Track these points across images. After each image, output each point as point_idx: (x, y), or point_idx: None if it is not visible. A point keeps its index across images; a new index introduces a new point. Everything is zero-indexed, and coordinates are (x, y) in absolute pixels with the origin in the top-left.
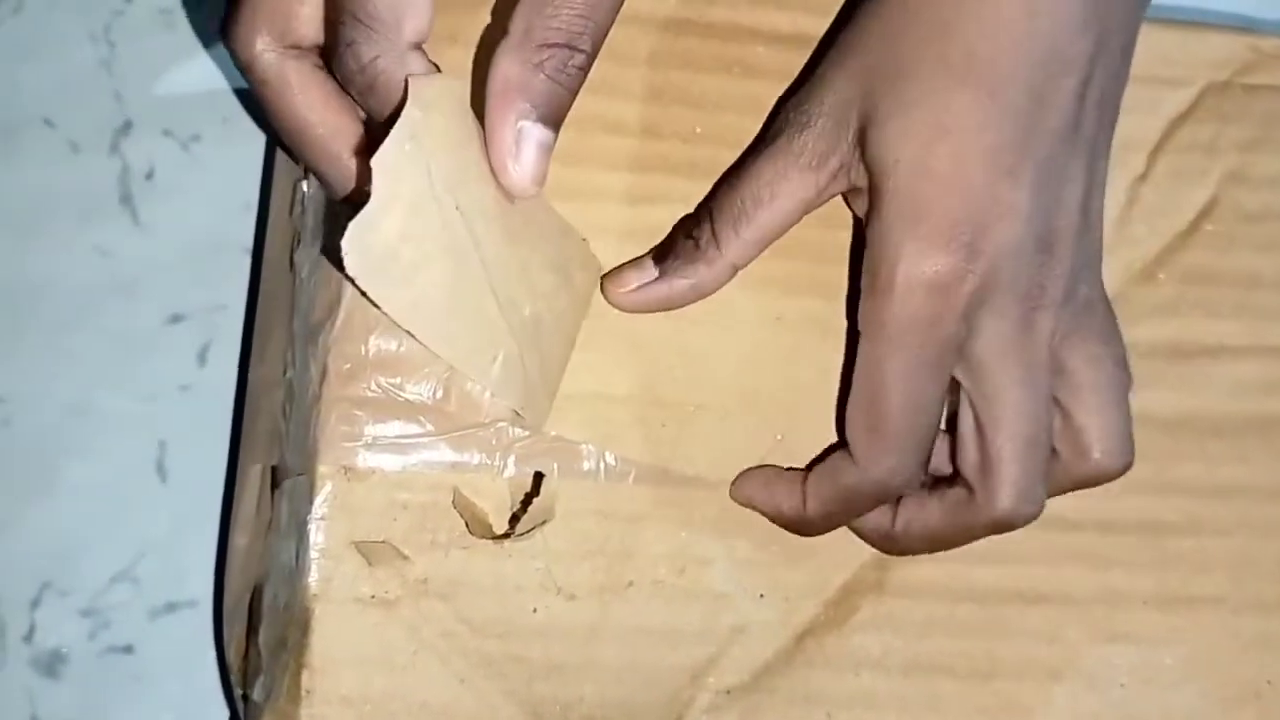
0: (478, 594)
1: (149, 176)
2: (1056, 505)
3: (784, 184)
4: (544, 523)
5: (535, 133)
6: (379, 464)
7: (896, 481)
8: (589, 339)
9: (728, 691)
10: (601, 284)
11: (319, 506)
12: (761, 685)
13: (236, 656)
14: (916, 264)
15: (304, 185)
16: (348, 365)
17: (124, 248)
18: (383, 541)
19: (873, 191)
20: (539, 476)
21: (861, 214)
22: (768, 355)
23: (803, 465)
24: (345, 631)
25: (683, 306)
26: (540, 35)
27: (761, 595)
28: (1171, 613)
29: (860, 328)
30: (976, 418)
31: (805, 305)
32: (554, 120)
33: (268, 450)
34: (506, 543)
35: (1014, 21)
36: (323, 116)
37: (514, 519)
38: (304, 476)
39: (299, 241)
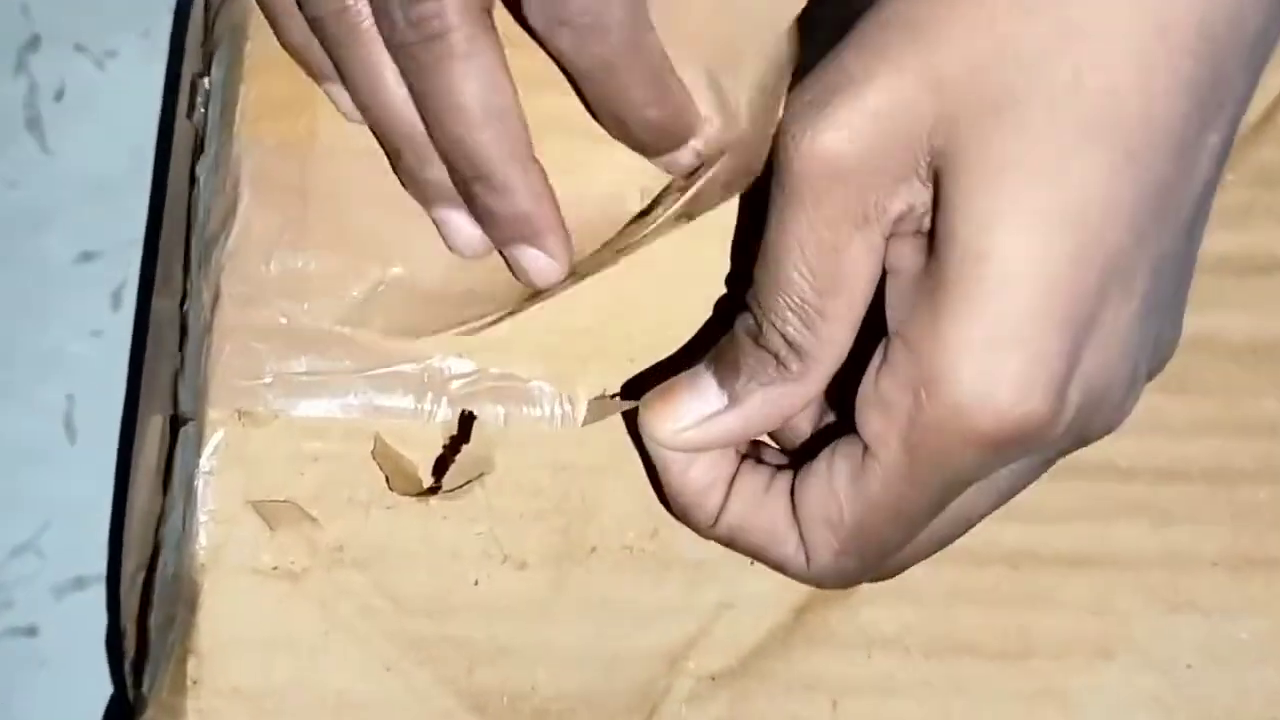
0: (405, 563)
1: (59, 97)
2: (1107, 450)
3: (844, 254)
4: (480, 475)
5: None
6: (282, 407)
7: (841, 584)
8: None
9: (712, 677)
10: (641, 415)
11: (208, 459)
12: (752, 669)
13: (130, 639)
14: (995, 405)
15: (205, 81)
16: (244, 287)
17: (30, 177)
18: (286, 501)
19: (938, 268)
20: (468, 418)
21: (904, 270)
22: None
23: None
24: (240, 609)
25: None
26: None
27: (752, 562)
28: (1245, 577)
29: (873, 439)
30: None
31: None
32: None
33: (167, 398)
34: (435, 500)
35: (1181, 48)
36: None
37: (440, 469)
38: (194, 422)
39: (201, 148)
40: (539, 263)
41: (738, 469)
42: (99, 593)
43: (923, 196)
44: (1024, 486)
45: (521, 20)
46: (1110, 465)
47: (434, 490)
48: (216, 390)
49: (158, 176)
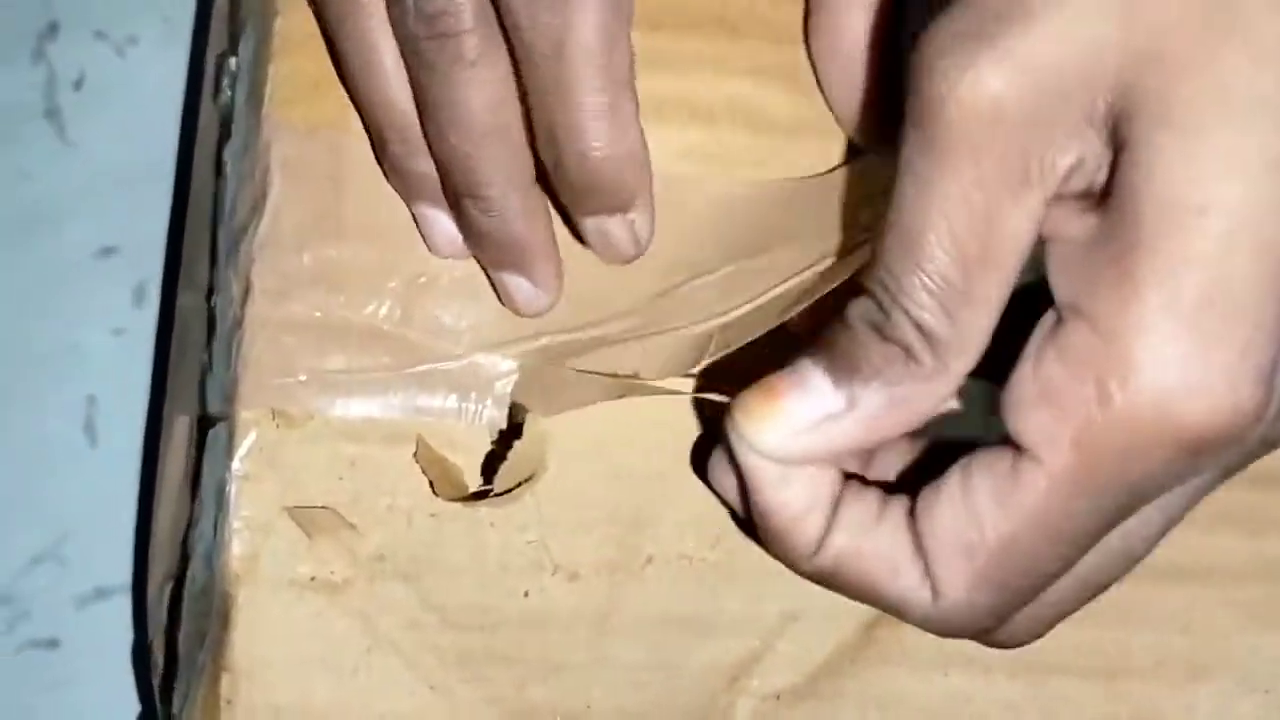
0: (451, 574)
1: (78, 86)
2: None
3: (999, 222)
4: (530, 478)
5: None
6: (318, 406)
7: (972, 627)
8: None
9: (776, 696)
10: (735, 420)
11: (241, 462)
12: (820, 689)
13: (159, 655)
14: (1210, 396)
15: (231, 61)
16: (275, 280)
17: (48, 169)
18: (324, 507)
19: (1129, 227)
20: (519, 414)
21: (1072, 236)
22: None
23: None
24: (277, 623)
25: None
26: None
27: None
28: None
29: (1037, 441)
30: None
31: None
32: None
33: (194, 398)
34: (484, 506)
35: None
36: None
37: (489, 469)
38: (224, 424)
39: (227, 133)
40: (524, 292)
41: (842, 491)
42: (123, 604)
43: (1095, 146)
44: (1191, 507)
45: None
46: None
47: (481, 495)
48: (248, 389)
49: (181, 166)
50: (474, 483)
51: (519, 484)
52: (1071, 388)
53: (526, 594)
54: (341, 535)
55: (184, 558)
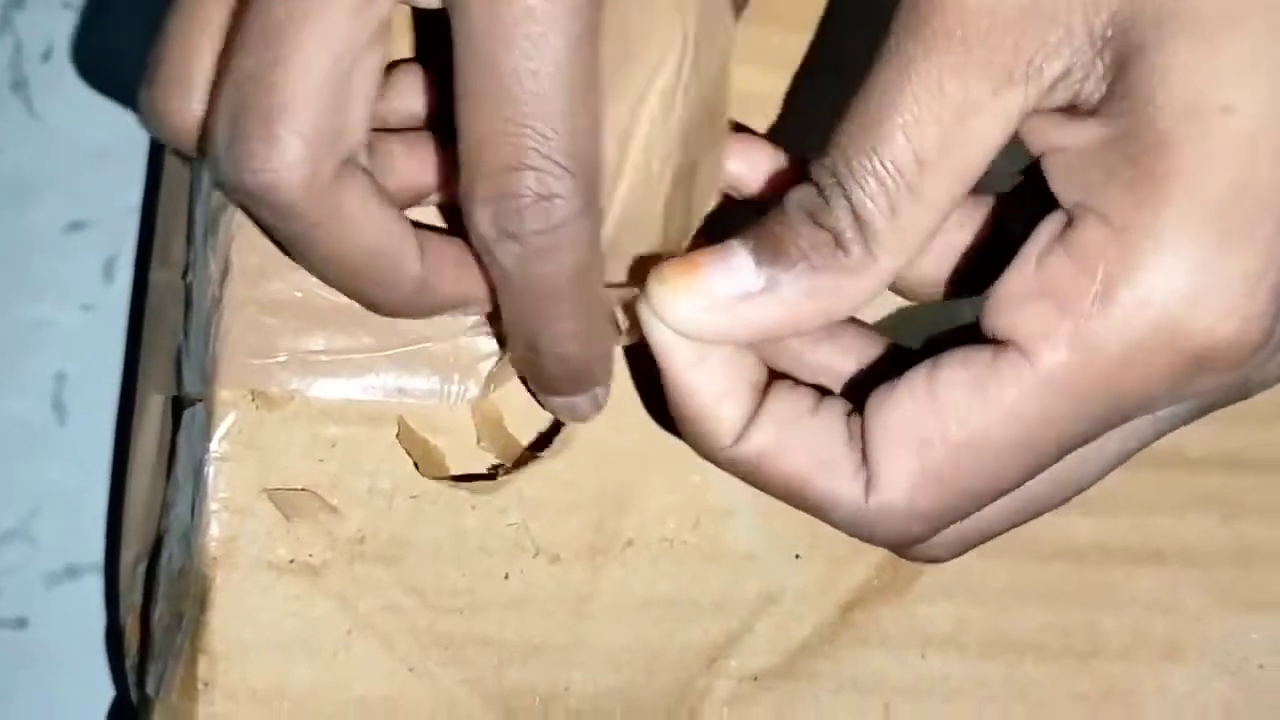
0: (431, 556)
1: (46, 57)
2: (1176, 438)
3: (970, 112)
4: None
5: None
6: (298, 387)
7: (898, 536)
8: None
9: (755, 677)
10: (650, 289)
11: (219, 443)
12: (799, 669)
13: (133, 634)
14: (1221, 307)
15: None
16: (255, 258)
17: (16, 143)
18: (304, 490)
19: (1144, 131)
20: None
21: (1072, 145)
22: None
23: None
24: (256, 606)
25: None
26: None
27: (798, 555)
28: None
29: (1031, 336)
30: None
31: None
32: None
33: (168, 376)
34: (464, 489)
35: None
36: (388, 239)
37: (539, 444)
38: (202, 404)
39: None
40: (580, 409)
41: (770, 384)
42: (93, 583)
43: (1085, 57)
44: (1157, 438)
45: (464, 227)
46: (1180, 455)
47: (465, 478)
48: (227, 369)
49: (154, 140)
50: (457, 464)
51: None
52: (1077, 283)
53: (507, 576)
54: (321, 517)
55: (158, 538)
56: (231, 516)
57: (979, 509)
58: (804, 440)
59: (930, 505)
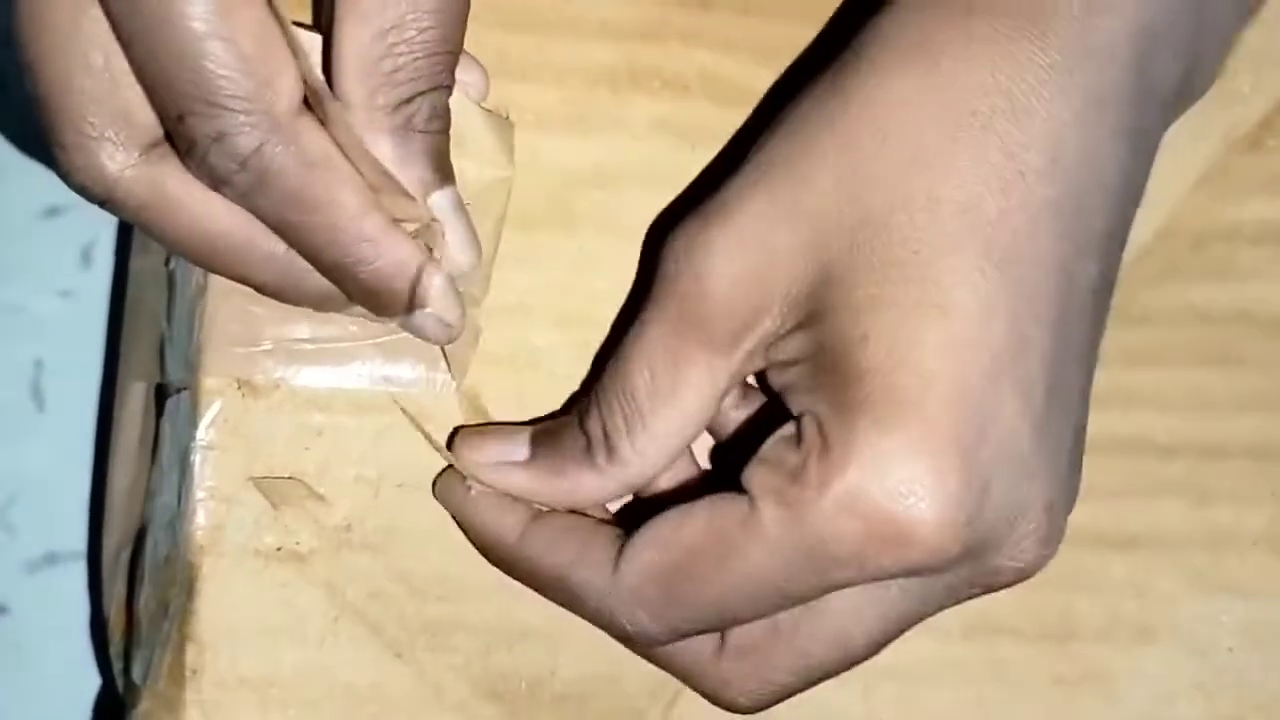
0: (417, 544)
1: None
2: (1147, 427)
3: (687, 371)
4: None
5: (448, 198)
6: (284, 376)
7: (652, 628)
8: (558, 220)
9: None
10: (454, 444)
11: (205, 431)
12: None
13: (118, 622)
14: (895, 502)
15: None
16: None
17: None
18: (290, 478)
19: (820, 370)
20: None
21: (784, 386)
22: None
23: None
24: (242, 593)
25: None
26: (393, 94)
27: None
28: None
29: (761, 490)
30: None
31: None
32: (450, 171)
33: (151, 364)
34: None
35: (1033, 171)
36: (235, 217)
37: None
38: (187, 392)
39: None
40: (428, 330)
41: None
42: (75, 569)
43: (792, 319)
44: (919, 618)
45: None
46: (1150, 442)
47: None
48: (212, 357)
49: None
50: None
51: None
52: (795, 461)
53: None
54: (308, 505)
55: (142, 526)
56: (218, 505)
57: (710, 625)
58: (575, 537)
59: (655, 596)
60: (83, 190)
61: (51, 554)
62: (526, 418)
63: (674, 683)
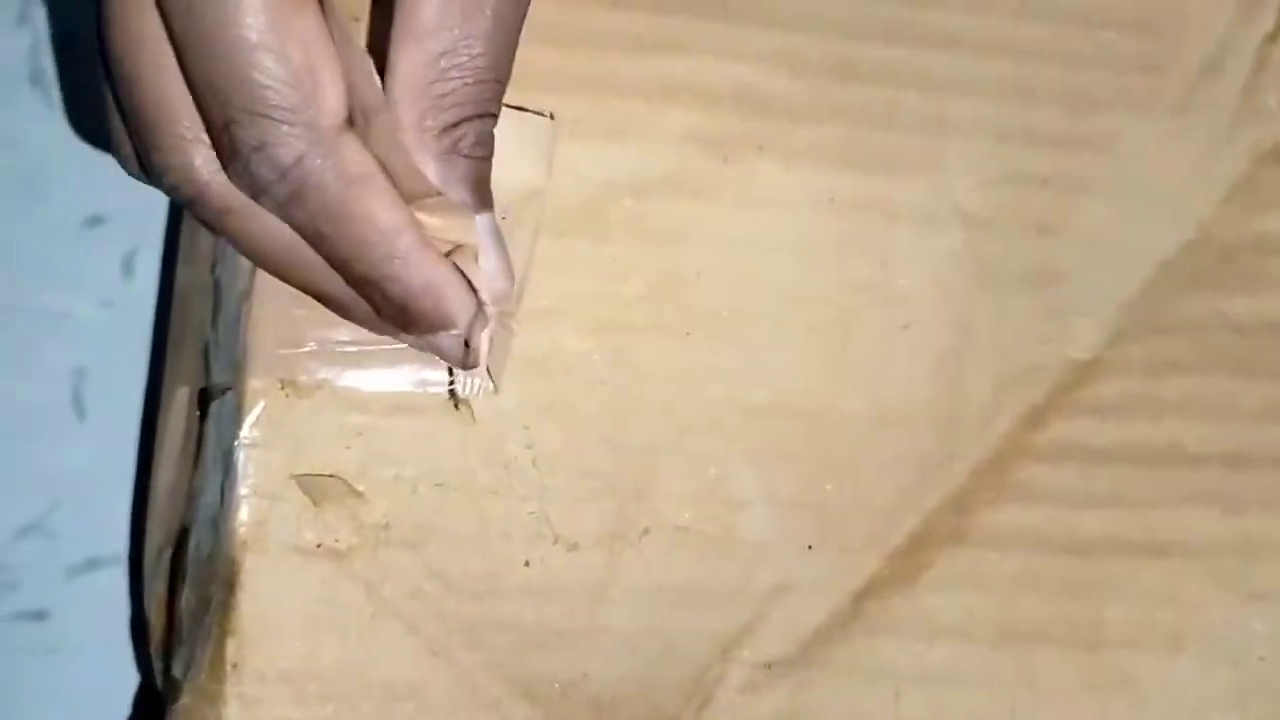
0: (454, 543)
1: (64, 50)
2: (1178, 436)
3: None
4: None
5: (486, 225)
6: (326, 377)
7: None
8: (591, 227)
9: (768, 665)
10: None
11: (249, 430)
12: (811, 657)
13: (158, 622)
14: None
15: None
16: None
17: (34, 136)
18: (332, 476)
19: None
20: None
21: None
22: (818, 246)
23: (870, 388)
24: (283, 590)
25: None
26: (442, 118)
27: (810, 546)
28: None
29: None
30: None
31: (864, 182)
32: (490, 198)
33: (195, 369)
34: (485, 478)
35: None
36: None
37: None
38: (231, 394)
39: None
40: (447, 350)
41: None
42: (114, 575)
43: None
44: None
45: None
46: (1181, 451)
47: None
48: (256, 359)
49: None
50: (483, 467)
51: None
52: None
53: (527, 563)
54: (347, 503)
55: (185, 525)
56: (261, 501)
57: None
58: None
59: None
60: (173, 190)
61: (92, 559)
62: (558, 422)
63: (705, 687)
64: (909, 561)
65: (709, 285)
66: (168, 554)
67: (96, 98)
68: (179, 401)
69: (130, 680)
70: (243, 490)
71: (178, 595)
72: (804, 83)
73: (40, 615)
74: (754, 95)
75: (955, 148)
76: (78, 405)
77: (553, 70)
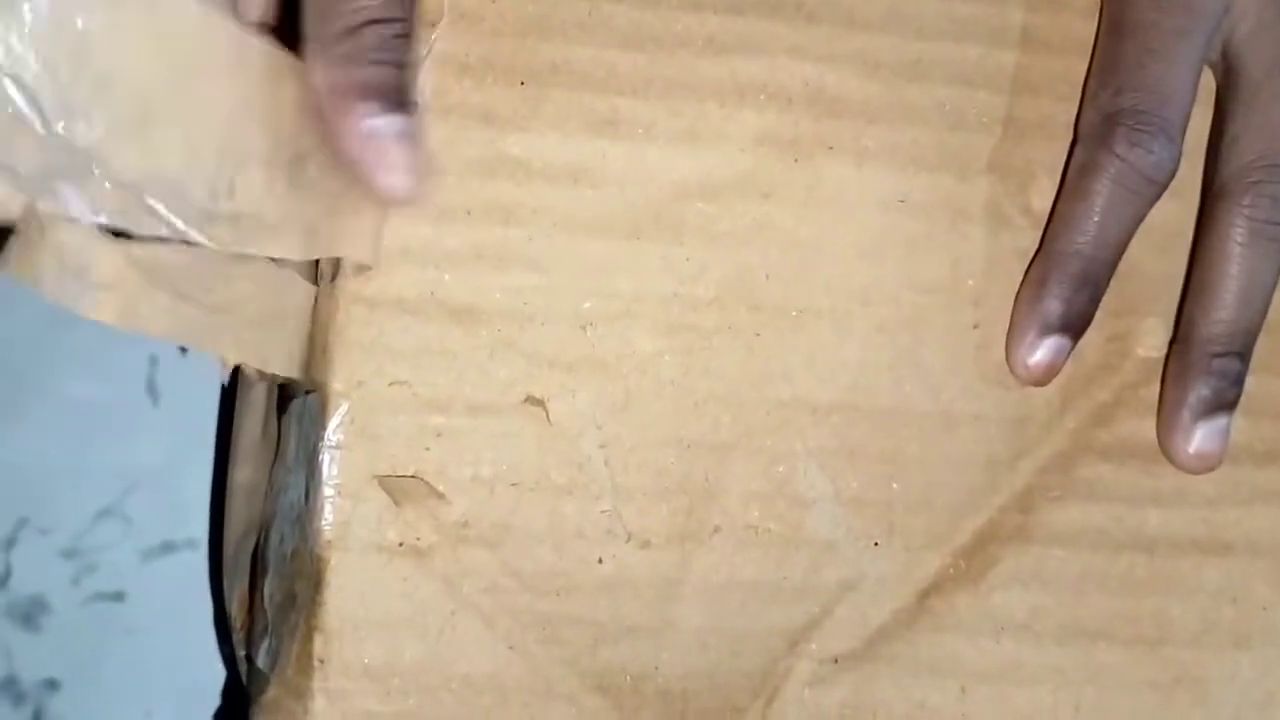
0: (530, 541)
1: None
2: (1242, 434)
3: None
4: None
5: (386, 126)
6: (407, 379)
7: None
8: (664, 230)
9: (835, 660)
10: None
11: (333, 432)
12: (877, 652)
13: (240, 612)
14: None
15: None
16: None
17: None
18: (413, 476)
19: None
20: None
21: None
22: (888, 246)
23: (938, 387)
24: (367, 587)
25: None
26: (340, 23)
27: (876, 543)
28: None
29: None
30: None
31: (935, 182)
32: (400, 101)
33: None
34: (559, 478)
35: None
36: None
37: None
38: (314, 394)
39: None
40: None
41: None
42: (188, 558)
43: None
44: None
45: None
46: (1248, 449)
47: None
48: (340, 360)
49: None
50: (557, 467)
51: None
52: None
53: (601, 561)
54: (428, 503)
55: (265, 519)
56: (345, 501)
57: None
58: None
59: None
60: None
61: (167, 543)
62: (631, 422)
63: (773, 680)
64: (974, 559)
65: (779, 286)
66: (248, 547)
67: None
68: (257, 395)
69: (205, 660)
70: (328, 491)
71: (259, 588)
72: (876, 83)
73: (118, 596)
74: (826, 96)
75: (1026, 148)
76: (152, 392)
77: (627, 72)
